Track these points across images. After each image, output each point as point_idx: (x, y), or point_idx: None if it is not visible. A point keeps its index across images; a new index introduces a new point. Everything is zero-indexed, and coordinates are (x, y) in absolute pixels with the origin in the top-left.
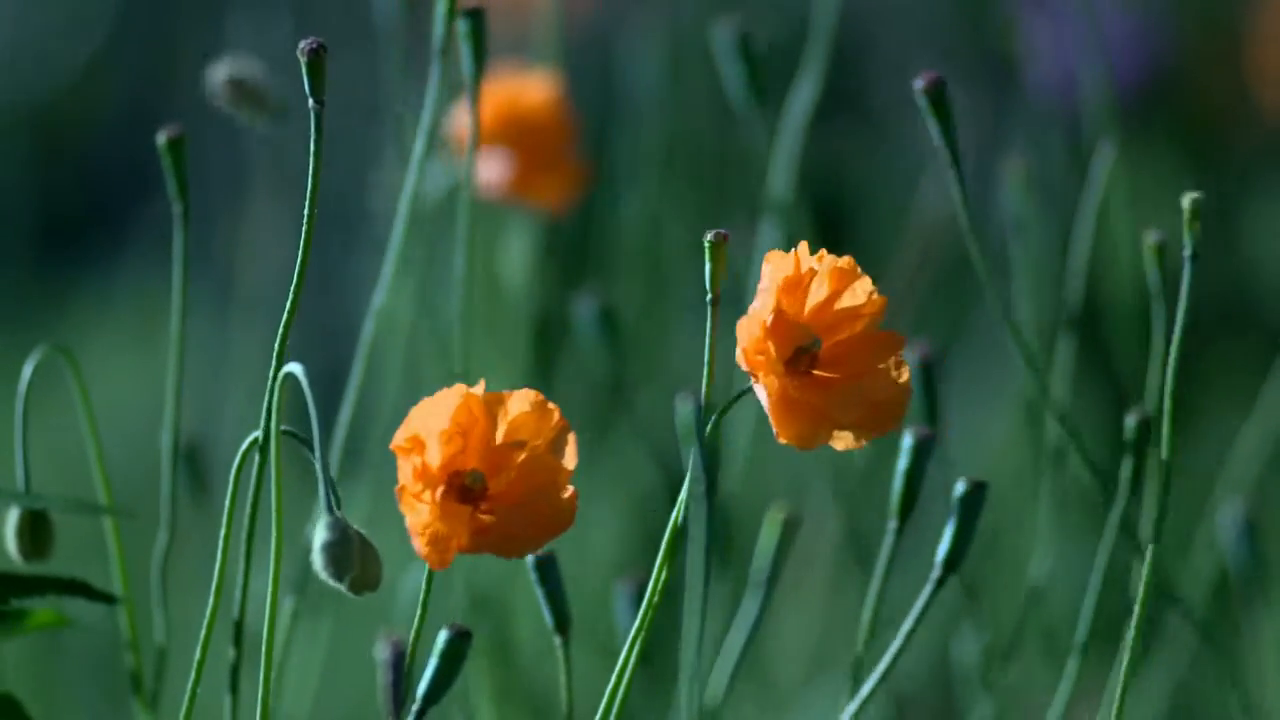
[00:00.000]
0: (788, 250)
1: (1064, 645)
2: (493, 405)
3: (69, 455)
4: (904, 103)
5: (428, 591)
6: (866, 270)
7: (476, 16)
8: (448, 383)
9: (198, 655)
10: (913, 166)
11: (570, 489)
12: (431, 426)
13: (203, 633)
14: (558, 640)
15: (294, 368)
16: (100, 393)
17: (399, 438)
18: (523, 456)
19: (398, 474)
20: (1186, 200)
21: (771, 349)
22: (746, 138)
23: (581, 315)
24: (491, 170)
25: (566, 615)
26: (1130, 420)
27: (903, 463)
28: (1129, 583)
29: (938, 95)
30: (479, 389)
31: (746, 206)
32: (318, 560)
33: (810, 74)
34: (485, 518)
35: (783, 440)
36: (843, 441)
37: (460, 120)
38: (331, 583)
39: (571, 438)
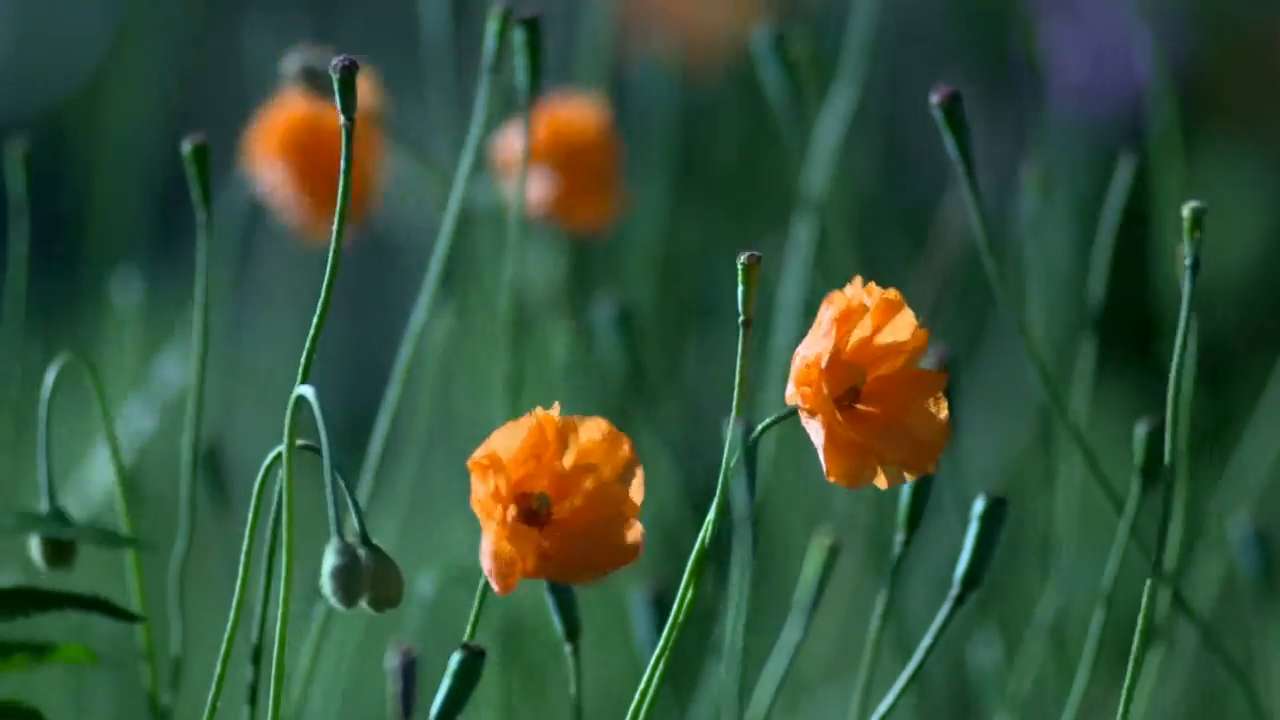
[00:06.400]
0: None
1: (1080, 656)
2: (564, 430)
3: (90, 465)
4: (925, 111)
5: (482, 602)
6: (888, 280)
7: (533, 27)
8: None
9: (218, 669)
10: (938, 176)
11: (637, 524)
12: (508, 447)
13: (223, 647)
14: (568, 648)
15: (305, 391)
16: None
17: (477, 455)
18: (591, 484)
19: (472, 491)
20: (1187, 210)
21: (825, 388)
22: (785, 142)
23: (599, 319)
24: (534, 190)
25: (576, 623)
26: (1140, 431)
27: None
28: (1141, 592)
29: (953, 108)
30: (554, 413)
31: (763, 212)
32: (326, 586)
33: (846, 84)
34: (549, 544)
35: (832, 478)
36: (884, 479)
37: (509, 139)
38: (341, 608)
39: (640, 471)
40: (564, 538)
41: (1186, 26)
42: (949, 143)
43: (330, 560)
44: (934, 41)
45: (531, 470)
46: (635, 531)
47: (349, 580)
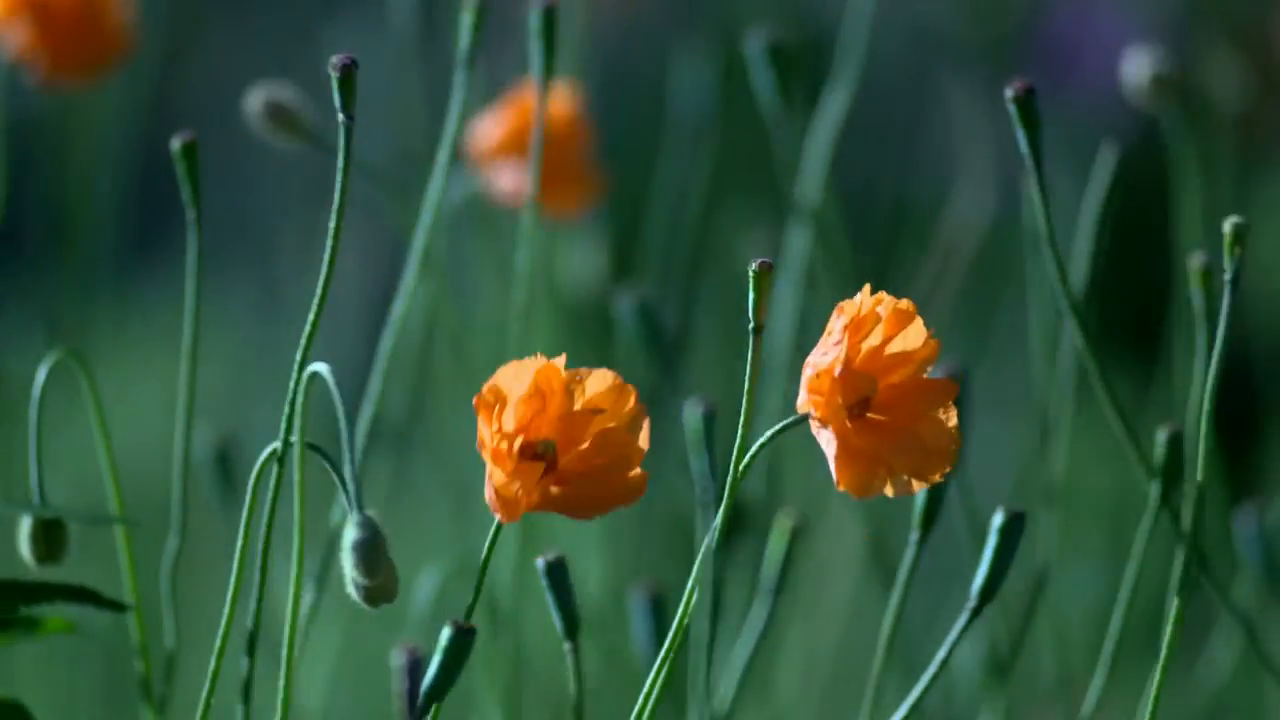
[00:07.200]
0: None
1: (1074, 655)
2: (571, 380)
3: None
4: (923, 109)
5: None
6: (891, 278)
7: (548, 15)
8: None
9: (212, 665)
10: (934, 171)
11: (641, 470)
12: (513, 387)
13: (218, 641)
14: (568, 646)
15: (320, 367)
16: (140, 402)
17: (483, 392)
18: (597, 430)
19: (478, 429)
20: (1228, 225)
21: (838, 398)
22: (776, 143)
23: (622, 312)
24: (509, 180)
25: (576, 621)
26: (1161, 436)
27: None
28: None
29: (1027, 103)
30: (559, 363)
31: (770, 206)
32: (348, 559)
33: (842, 80)
34: (555, 489)
35: (841, 488)
36: (894, 488)
37: (484, 131)
38: (360, 582)
39: (646, 422)
40: (569, 481)
41: (1179, 20)
42: (1021, 139)
43: (352, 533)
44: (934, 28)
45: (538, 409)
46: (638, 474)
47: (371, 553)
